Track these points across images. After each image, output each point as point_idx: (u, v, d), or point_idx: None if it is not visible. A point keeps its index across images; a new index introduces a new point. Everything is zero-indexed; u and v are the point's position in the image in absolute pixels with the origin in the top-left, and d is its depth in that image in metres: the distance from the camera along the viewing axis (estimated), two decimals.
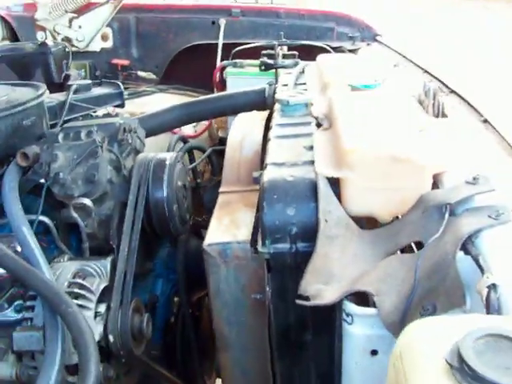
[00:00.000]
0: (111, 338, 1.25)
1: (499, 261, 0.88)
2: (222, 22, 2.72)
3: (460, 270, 0.91)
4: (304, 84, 1.68)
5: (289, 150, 1.24)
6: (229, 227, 1.20)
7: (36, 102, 1.55)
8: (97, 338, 1.23)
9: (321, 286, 1.00)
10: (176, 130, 2.30)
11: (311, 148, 1.22)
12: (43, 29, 2.48)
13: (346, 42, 2.59)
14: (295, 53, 2.40)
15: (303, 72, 1.82)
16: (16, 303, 1.28)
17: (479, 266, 0.88)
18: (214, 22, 2.76)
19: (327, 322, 1.08)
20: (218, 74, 2.49)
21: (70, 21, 2.50)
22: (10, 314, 1.26)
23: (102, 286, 1.29)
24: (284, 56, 2.37)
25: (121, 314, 1.27)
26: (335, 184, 1.10)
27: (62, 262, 1.32)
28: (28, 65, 2.05)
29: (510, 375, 0.57)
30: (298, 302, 0.98)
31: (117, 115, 1.68)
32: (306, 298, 0.99)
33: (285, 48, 2.47)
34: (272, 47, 2.36)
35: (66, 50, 2.09)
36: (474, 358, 0.58)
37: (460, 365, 0.59)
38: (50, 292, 1.12)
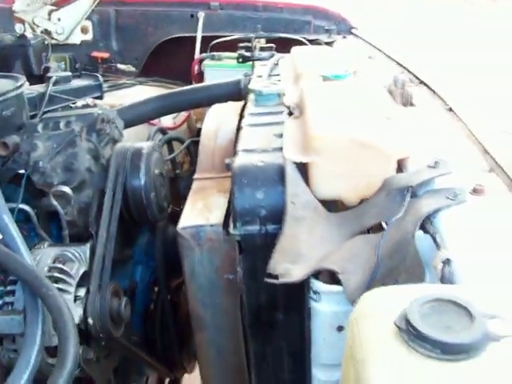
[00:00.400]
0: (90, 320, 1.29)
1: (454, 238, 0.94)
2: (201, 15, 2.75)
3: (419, 248, 0.97)
4: (278, 75, 1.73)
5: (260, 137, 1.29)
6: (202, 211, 1.24)
7: (15, 93, 1.57)
8: (76, 320, 1.27)
9: (289, 265, 1.05)
10: (155, 121, 2.33)
11: (281, 135, 1.26)
12: (22, 21, 2.49)
13: (323, 34, 2.63)
14: (272, 45, 2.45)
15: (278, 64, 1.87)
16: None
17: (436, 243, 0.94)
18: (192, 15, 2.80)
19: (297, 301, 1.13)
20: (196, 67, 2.53)
21: (50, 13, 2.52)
22: None
23: (81, 271, 1.33)
24: (261, 49, 2.42)
25: (99, 297, 1.31)
26: (303, 169, 1.15)
27: (42, 248, 1.36)
28: (7, 57, 2.07)
29: (449, 333, 0.62)
30: (267, 280, 1.02)
31: (95, 106, 1.71)
32: (275, 277, 1.04)
33: (262, 41, 2.52)
34: (249, 40, 2.41)
35: (46, 42, 2.11)
36: (419, 320, 0.63)
37: (407, 327, 0.64)
38: (31, 276, 1.16)
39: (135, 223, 1.62)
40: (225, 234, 1.17)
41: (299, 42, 2.44)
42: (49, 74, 1.85)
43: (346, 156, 1.12)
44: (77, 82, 1.90)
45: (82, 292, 1.32)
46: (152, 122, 2.31)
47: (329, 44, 2.43)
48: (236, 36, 2.52)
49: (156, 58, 2.88)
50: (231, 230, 1.13)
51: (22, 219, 1.45)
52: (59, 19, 2.54)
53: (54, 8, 2.55)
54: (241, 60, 2.33)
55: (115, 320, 1.34)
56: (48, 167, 1.42)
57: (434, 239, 0.94)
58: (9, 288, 1.25)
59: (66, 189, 1.40)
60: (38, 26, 2.50)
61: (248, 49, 2.38)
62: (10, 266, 1.19)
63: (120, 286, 1.61)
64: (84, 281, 1.34)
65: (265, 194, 1.11)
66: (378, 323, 0.67)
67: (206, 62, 2.45)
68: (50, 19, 2.52)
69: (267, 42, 2.52)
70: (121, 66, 2.73)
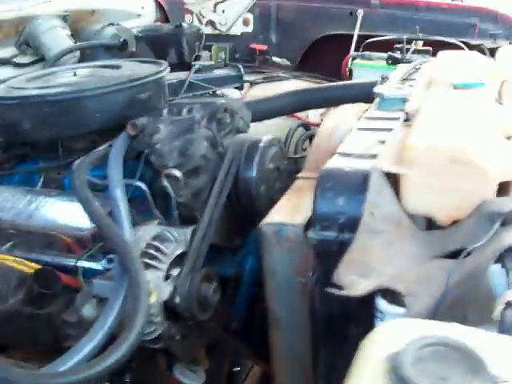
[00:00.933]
0: (177, 299, 1.34)
1: None
2: (360, 13, 2.70)
3: (494, 283, 0.87)
4: (413, 80, 1.65)
5: (363, 142, 1.24)
6: (291, 210, 1.23)
7: (153, 78, 1.68)
8: (165, 297, 1.33)
9: (356, 278, 1.00)
10: (302, 116, 2.34)
11: (384, 142, 1.21)
12: (191, 12, 2.65)
13: (487, 39, 2.44)
14: (429, 48, 2.33)
15: (418, 68, 1.78)
16: (109, 256, 1.42)
17: (508, 281, 0.84)
18: (351, 13, 2.75)
19: (371, 315, 1.07)
20: (346, 65, 2.49)
21: (215, 5, 2.65)
22: (100, 264, 1.41)
23: (177, 252, 1.39)
24: (417, 51, 2.32)
25: (190, 279, 1.35)
26: (396, 180, 1.09)
27: (147, 225, 1.44)
28: (163, 44, 2.22)
29: None
30: (328, 289, 0.99)
31: (222, 96, 1.77)
32: (340, 288, 1.00)
33: (420, 43, 2.40)
34: (406, 41, 2.32)
35: (200, 32, 2.22)
36: (409, 364, 0.57)
37: (395, 368, 0.58)
38: (122, 248, 1.24)
39: (248, 214, 1.64)
40: (304, 237, 1.15)
41: (458, 46, 2.30)
42: (193, 63, 1.95)
43: (441, 171, 1.04)
44: (219, 72, 1.98)
45: (176, 272, 1.37)
46: (299, 116, 2.32)
47: (493, 50, 2.24)
48: (388, 36, 2.44)
49: (312, 54, 2.89)
50: (309, 233, 1.11)
51: (141, 196, 1.56)
52: (223, 11, 2.65)
53: (220, 0, 2.67)
54: (390, 62, 2.25)
55: (202, 303, 1.38)
56: (165, 150, 1.49)
57: (508, 276, 0.84)
58: (109, 256, 1.35)
59: (177, 172, 1.46)
60: (203, 17, 2.64)
61: (401, 50, 2.29)
62: (108, 236, 1.29)
63: (212, 270, 1.66)
64: (180, 261, 1.40)
65: (346, 201, 1.07)
66: (376, 356, 0.62)
67: (355, 61, 2.40)
68: (215, 11, 2.64)
69: (426, 45, 2.40)
70: (276, 59, 2.78)
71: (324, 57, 2.81)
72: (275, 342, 1.29)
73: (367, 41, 2.52)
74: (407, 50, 2.30)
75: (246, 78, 2.55)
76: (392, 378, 0.57)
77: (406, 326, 0.68)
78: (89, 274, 1.40)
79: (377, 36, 2.53)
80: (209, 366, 1.66)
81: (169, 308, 1.35)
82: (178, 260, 1.38)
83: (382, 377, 0.58)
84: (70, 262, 1.45)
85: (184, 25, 2.23)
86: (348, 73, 2.46)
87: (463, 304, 0.89)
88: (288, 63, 2.82)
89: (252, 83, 2.58)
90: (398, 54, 2.26)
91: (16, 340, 1.57)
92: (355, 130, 1.33)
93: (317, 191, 1.09)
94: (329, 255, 1.08)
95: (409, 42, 2.36)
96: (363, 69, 2.36)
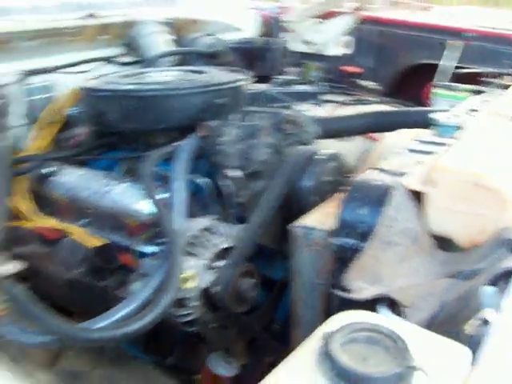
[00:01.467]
0: (215, 289, 1.43)
1: None
2: (450, 44, 2.68)
3: (484, 303, 0.89)
4: (476, 110, 1.65)
5: (405, 161, 1.28)
6: (324, 216, 1.28)
7: (230, 86, 1.80)
8: (205, 285, 1.43)
9: (364, 285, 1.05)
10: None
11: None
12: (290, 30, 2.77)
13: None
14: None
15: (487, 100, 1.78)
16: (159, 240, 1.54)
17: (494, 301, 0.86)
18: (443, 43, 2.74)
19: None
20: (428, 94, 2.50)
21: (314, 25, 2.74)
22: (153, 247, 1.54)
23: (223, 245, 1.48)
24: (504, 86, 2.28)
25: (229, 272, 1.44)
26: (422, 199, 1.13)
27: (201, 218, 1.55)
28: (253, 57, 2.34)
29: (359, 363, 0.61)
30: (333, 291, 1.05)
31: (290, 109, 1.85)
32: (347, 291, 1.05)
33: (510, 78, 2.36)
34: (494, 75, 2.30)
35: (287, 48, 2.33)
36: (337, 343, 0.63)
37: (325, 345, 0.64)
38: (169, 234, 1.37)
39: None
40: (328, 241, 1.21)
41: None
42: (275, 77, 2.06)
43: (462, 194, 1.07)
44: (298, 87, 2.08)
45: (220, 264, 1.47)
46: (374, 137, 2.36)
47: None
48: (475, 69, 2.42)
49: (402, 81, 2.91)
50: (332, 238, 1.17)
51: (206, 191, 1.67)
52: (322, 31, 2.74)
53: (319, 21, 2.76)
54: (472, 94, 2.23)
55: (238, 295, 1.46)
56: (228, 151, 1.60)
57: (496, 296, 0.86)
58: (159, 240, 1.48)
59: (237, 172, 1.56)
60: (302, 36, 2.74)
61: (487, 84, 2.27)
62: (160, 222, 1.42)
63: (272, 275, 1.74)
64: (227, 255, 1.49)
65: (369, 212, 1.12)
66: (317, 335, 0.68)
67: (437, 91, 2.40)
68: (313, 31, 2.74)
69: None
70: (363, 83, 2.82)
71: (416, 85, 2.82)
72: (295, 341, 1.35)
73: (454, 71, 2.51)
74: (493, 83, 2.27)
75: (335, 98, 2.63)
76: (320, 352, 0.64)
77: (357, 316, 0.74)
78: (145, 255, 1.54)
79: (466, 68, 2.52)
80: (247, 361, 1.74)
81: (208, 296, 1.45)
82: (225, 254, 1.47)
83: (314, 352, 0.65)
84: (129, 244, 1.59)
85: (273, 40, 2.35)
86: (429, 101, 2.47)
87: (456, 321, 0.92)
88: (376, 87, 2.85)
89: (341, 103, 2.64)
90: (483, 87, 2.25)
91: (76, 306, 1.75)
92: (404, 150, 1.37)
93: (345, 199, 1.15)
94: (346, 261, 1.14)
95: (498, 76, 2.33)
96: (443, 99, 2.35)
